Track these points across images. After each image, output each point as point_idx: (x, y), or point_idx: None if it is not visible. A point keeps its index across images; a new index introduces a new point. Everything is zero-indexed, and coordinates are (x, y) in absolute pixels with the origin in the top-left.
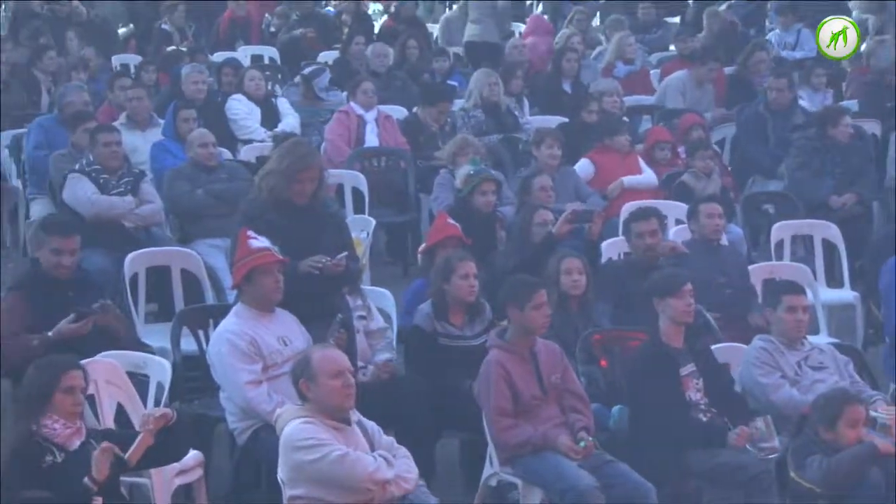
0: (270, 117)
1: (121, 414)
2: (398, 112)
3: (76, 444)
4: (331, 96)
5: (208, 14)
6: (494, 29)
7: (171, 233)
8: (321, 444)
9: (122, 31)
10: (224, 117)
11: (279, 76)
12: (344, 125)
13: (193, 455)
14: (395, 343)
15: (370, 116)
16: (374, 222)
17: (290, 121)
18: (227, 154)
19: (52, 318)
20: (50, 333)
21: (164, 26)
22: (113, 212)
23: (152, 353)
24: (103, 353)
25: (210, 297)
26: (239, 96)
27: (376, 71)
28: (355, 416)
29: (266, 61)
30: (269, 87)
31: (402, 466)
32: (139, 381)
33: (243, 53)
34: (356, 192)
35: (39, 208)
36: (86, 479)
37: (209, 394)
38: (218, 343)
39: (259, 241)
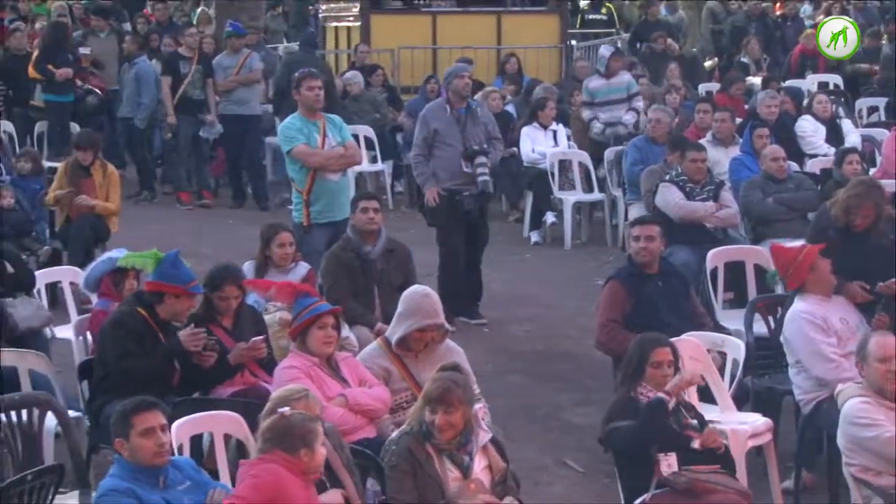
0: (834, 136)
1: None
2: None
3: None
4: None
5: (783, 47)
6: None
7: (745, 233)
8: (874, 424)
9: (707, 63)
10: (793, 135)
11: (842, 100)
12: None
13: (764, 421)
14: None
15: None
16: None
17: (852, 139)
18: (794, 167)
19: (644, 307)
20: None
21: (742, 59)
22: (695, 215)
23: (729, 334)
24: (688, 333)
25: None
26: (807, 117)
27: None
28: None
29: (831, 87)
30: (834, 110)
31: None
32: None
33: (811, 80)
34: None
35: (634, 211)
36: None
37: (778, 370)
38: (795, 322)
39: (792, 241)
